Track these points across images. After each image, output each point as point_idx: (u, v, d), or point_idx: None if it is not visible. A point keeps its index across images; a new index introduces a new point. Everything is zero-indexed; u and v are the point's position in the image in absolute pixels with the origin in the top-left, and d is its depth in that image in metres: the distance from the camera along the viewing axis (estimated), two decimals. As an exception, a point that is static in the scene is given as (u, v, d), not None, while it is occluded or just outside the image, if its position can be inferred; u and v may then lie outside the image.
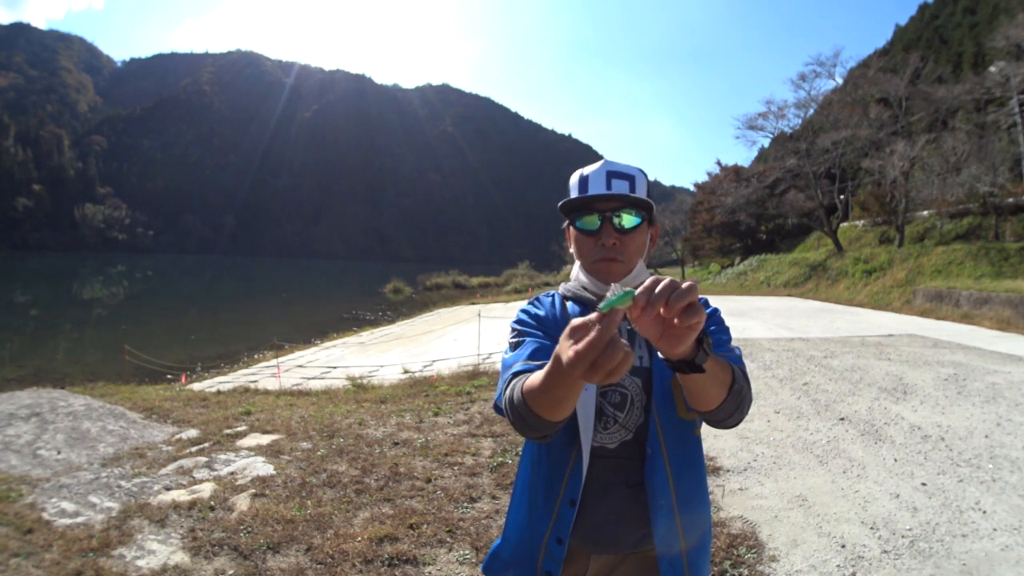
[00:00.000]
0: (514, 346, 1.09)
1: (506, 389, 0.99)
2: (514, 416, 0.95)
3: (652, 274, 1.17)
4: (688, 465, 1.08)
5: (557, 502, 1.09)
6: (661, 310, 0.71)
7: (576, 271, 1.17)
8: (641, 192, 1.10)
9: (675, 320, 0.71)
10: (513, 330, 1.13)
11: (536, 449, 1.15)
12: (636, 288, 0.72)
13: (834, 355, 7.51)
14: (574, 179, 1.14)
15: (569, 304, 1.17)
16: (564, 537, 1.09)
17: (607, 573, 1.13)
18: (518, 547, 1.15)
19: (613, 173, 1.10)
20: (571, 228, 1.15)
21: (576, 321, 0.71)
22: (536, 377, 0.87)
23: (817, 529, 2.88)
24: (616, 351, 0.66)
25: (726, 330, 1.11)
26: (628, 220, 1.08)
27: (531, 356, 1.03)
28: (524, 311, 1.17)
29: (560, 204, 1.11)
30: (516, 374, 1.00)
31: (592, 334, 0.67)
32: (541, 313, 1.15)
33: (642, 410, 1.08)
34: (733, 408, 0.94)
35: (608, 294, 0.71)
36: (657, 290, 0.70)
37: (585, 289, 1.16)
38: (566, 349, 0.71)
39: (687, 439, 1.08)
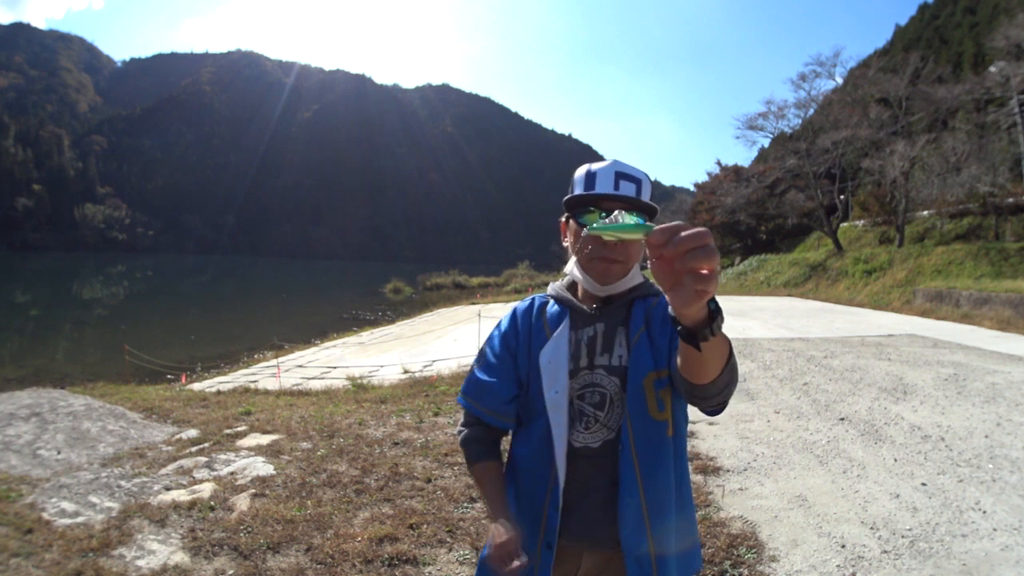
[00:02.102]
0: (480, 362, 1.23)
1: (461, 429, 1.24)
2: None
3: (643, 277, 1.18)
4: (659, 465, 1.08)
5: (544, 508, 1.11)
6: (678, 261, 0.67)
7: (571, 266, 1.17)
8: (646, 197, 1.11)
9: (691, 266, 0.66)
10: (490, 339, 1.24)
11: (517, 457, 1.19)
12: (652, 224, 0.69)
13: (834, 355, 7.51)
14: (580, 173, 1.14)
15: (549, 306, 1.20)
16: (552, 542, 1.10)
17: (599, 570, 1.14)
18: None
19: (621, 174, 1.10)
20: (571, 222, 1.15)
21: (500, 540, 1.03)
22: (481, 482, 1.19)
23: (817, 529, 2.88)
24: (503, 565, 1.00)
25: None
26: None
27: (492, 396, 1.19)
28: (500, 328, 1.24)
29: (566, 199, 1.12)
30: (466, 417, 1.23)
31: (495, 558, 1.02)
32: (514, 342, 1.20)
33: (623, 409, 1.09)
34: (725, 383, 0.91)
35: (615, 216, 0.70)
36: (683, 234, 0.66)
37: (574, 285, 1.19)
38: (492, 540, 1.05)
39: (659, 439, 1.08)
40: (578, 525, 1.11)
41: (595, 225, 0.72)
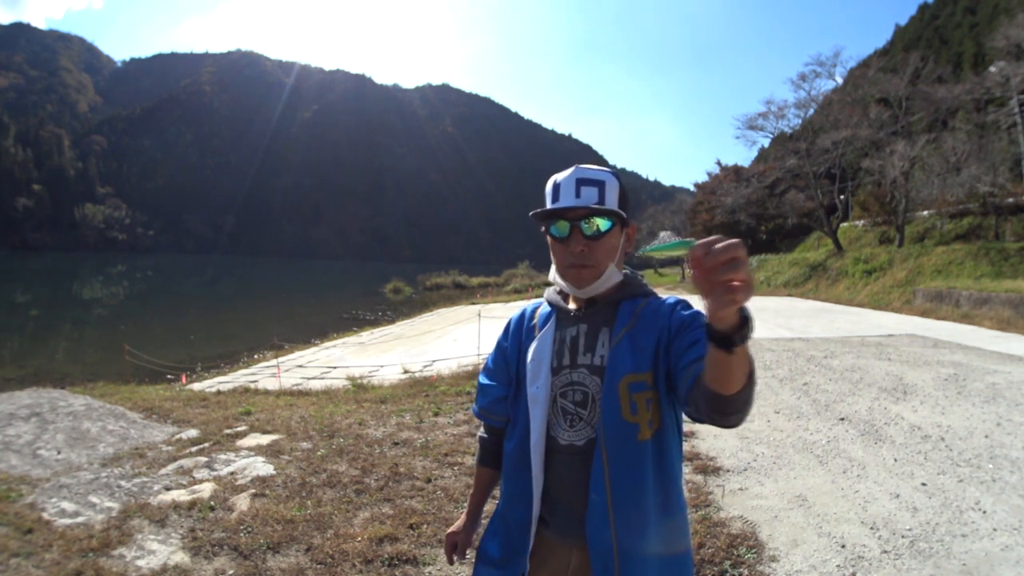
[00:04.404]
0: (484, 369, 1.34)
1: (478, 429, 1.39)
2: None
3: (630, 273, 1.20)
4: (628, 467, 1.08)
5: (532, 500, 1.15)
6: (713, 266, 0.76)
7: (553, 273, 1.22)
8: (611, 196, 1.12)
9: (721, 276, 0.75)
10: (496, 344, 1.33)
11: (505, 453, 1.24)
12: (694, 239, 0.79)
13: (834, 355, 7.51)
14: (548, 187, 1.17)
15: (541, 309, 1.26)
16: (533, 532, 1.16)
17: (587, 568, 1.14)
18: (504, 543, 1.20)
19: (583, 180, 1.12)
20: (547, 234, 1.18)
21: (450, 530, 1.32)
22: (473, 482, 1.37)
23: (817, 529, 2.88)
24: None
25: None
26: (597, 226, 1.11)
27: (486, 396, 1.30)
28: (503, 332, 1.32)
29: (531, 214, 1.15)
30: (479, 414, 1.33)
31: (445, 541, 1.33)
32: (506, 344, 1.29)
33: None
34: (745, 399, 0.92)
35: (661, 237, 0.76)
36: (717, 247, 0.74)
37: (560, 292, 1.24)
38: (448, 541, 1.33)
39: (631, 442, 1.08)
40: (563, 521, 1.14)
41: (648, 248, 0.82)
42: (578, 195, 1.11)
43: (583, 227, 1.11)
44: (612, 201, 1.12)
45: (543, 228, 1.19)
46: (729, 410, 0.94)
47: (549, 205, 1.15)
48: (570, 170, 1.15)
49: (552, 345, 1.18)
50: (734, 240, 0.74)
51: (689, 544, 1.19)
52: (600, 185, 1.12)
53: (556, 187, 1.14)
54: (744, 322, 0.81)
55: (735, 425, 1.00)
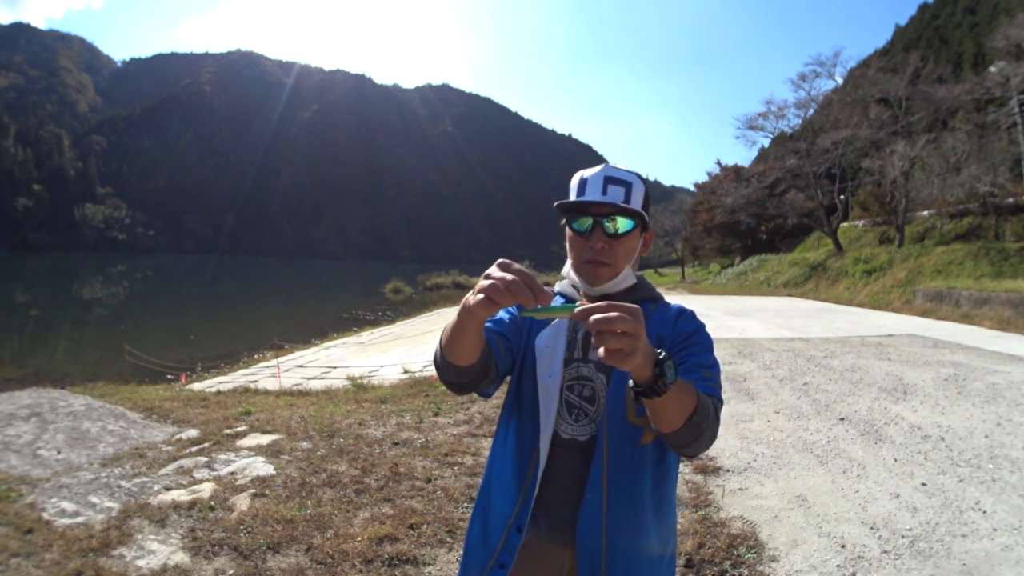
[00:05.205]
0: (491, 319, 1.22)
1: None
2: (435, 362, 1.08)
3: (641, 277, 1.20)
4: (628, 468, 1.08)
5: (523, 491, 1.12)
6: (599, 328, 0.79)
7: (567, 268, 1.21)
8: (637, 198, 1.12)
9: (601, 341, 0.78)
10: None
11: (502, 442, 1.20)
12: (578, 304, 0.83)
13: (834, 355, 7.51)
14: (574, 180, 1.16)
15: (554, 300, 1.21)
16: (523, 525, 1.12)
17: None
18: (479, 540, 1.18)
19: (610, 179, 1.12)
20: (566, 227, 1.18)
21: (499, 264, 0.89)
22: (447, 324, 1.00)
23: (817, 529, 2.88)
24: (494, 279, 0.84)
25: (708, 350, 1.10)
26: (619, 225, 1.11)
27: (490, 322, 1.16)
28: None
29: (556, 204, 1.15)
30: None
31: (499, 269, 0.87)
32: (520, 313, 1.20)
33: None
34: (689, 439, 0.94)
35: (554, 303, 0.85)
36: (592, 319, 0.78)
37: (574, 287, 1.22)
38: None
39: (632, 443, 1.09)
40: (555, 521, 1.12)
41: (529, 311, 0.86)
42: (605, 192, 1.11)
43: (605, 225, 1.11)
44: (637, 203, 1.12)
45: (563, 221, 1.18)
46: (674, 444, 0.98)
47: (574, 199, 1.14)
48: (599, 167, 1.15)
49: (566, 336, 1.17)
50: (613, 313, 0.77)
51: (675, 548, 1.19)
52: (627, 186, 1.12)
53: (583, 182, 1.14)
54: (658, 376, 0.84)
55: (690, 456, 1.03)
